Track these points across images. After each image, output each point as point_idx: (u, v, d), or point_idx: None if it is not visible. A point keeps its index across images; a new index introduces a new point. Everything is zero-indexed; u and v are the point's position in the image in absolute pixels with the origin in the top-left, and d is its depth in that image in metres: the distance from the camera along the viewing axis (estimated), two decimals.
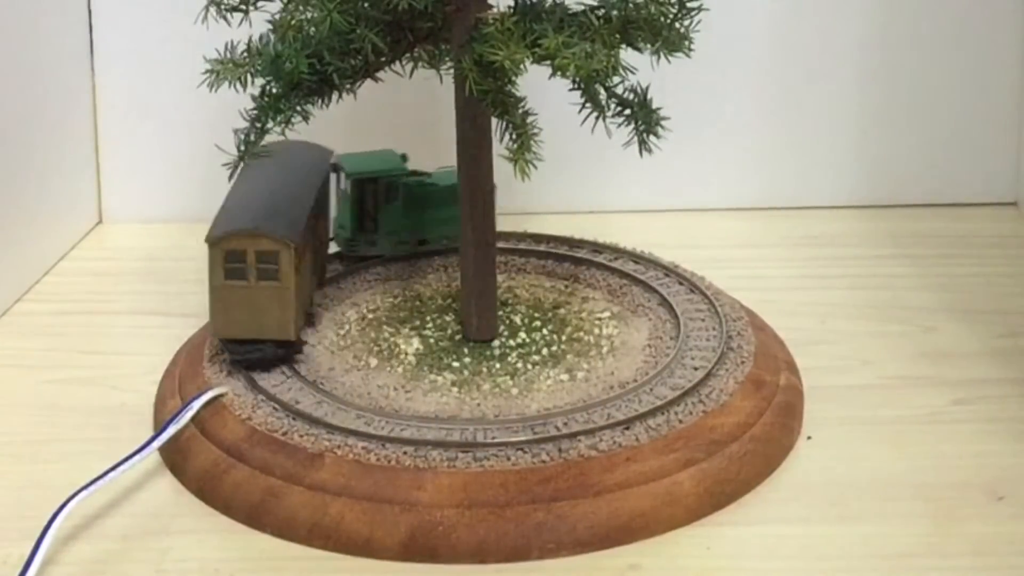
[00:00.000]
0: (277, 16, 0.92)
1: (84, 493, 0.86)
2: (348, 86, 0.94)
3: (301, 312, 0.99)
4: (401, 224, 1.10)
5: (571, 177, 1.32)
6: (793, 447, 0.95)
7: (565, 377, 0.97)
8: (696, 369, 0.96)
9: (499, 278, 1.04)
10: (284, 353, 0.96)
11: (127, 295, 1.18)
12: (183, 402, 0.95)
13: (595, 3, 0.94)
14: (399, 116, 1.30)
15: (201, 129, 1.26)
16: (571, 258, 1.11)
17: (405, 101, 1.26)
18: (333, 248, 1.12)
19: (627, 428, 0.90)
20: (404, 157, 1.13)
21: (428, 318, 1.04)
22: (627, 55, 0.92)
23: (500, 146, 0.92)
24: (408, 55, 0.97)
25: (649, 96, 0.95)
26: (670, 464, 0.89)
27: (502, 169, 0.95)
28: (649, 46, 0.93)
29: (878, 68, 1.32)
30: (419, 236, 1.11)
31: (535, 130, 0.89)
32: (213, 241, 0.94)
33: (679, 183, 1.33)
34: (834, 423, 0.98)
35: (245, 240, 0.94)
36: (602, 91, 0.94)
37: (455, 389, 0.95)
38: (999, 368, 1.05)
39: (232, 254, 0.94)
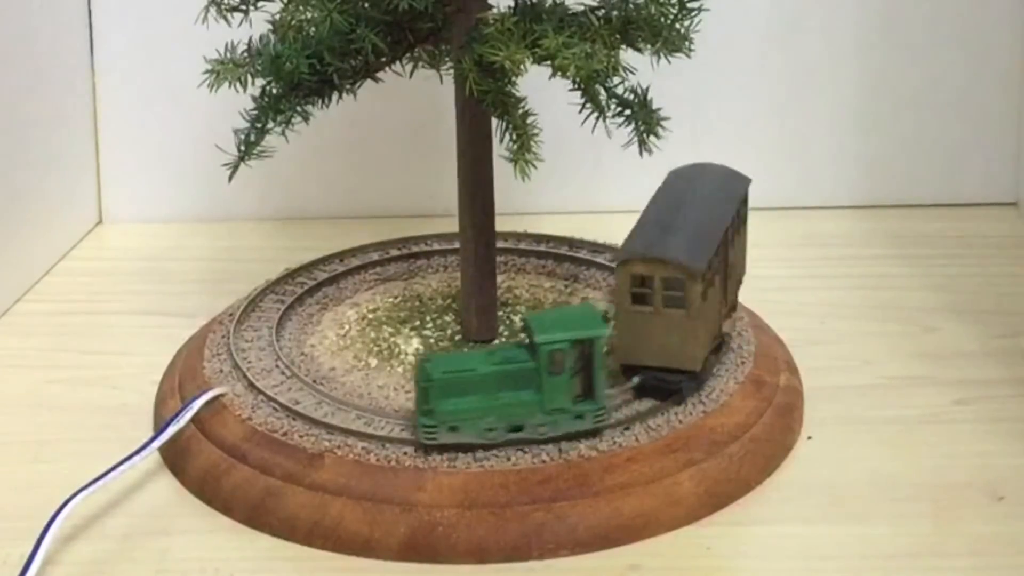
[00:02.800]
0: (277, 16, 0.92)
1: (84, 493, 0.86)
2: (348, 86, 0.94)
3: (708, 341, 0.94)
4: None
5: (571, 177, 1.32)
6: (793, 447, 0.95)
7: None
8: None
9: (499, 278, 1.03)
10: (689, 384, 0.92)
11: (127, 295, 1.18)
12: (183, 402, 0.95)
13: (595, 3, 0.94)
14: (399, 116, 1.30)
15: (201, 129, 1.26)
16: (571, 258, 1.11)
17: (405, 101, 1.26)
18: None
19: (627, 428, 0.90)
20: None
21: (428, 318, 1.04)
22: (627, 55, 0.92)
23: (500, 146, 0.92)
24: (408, 55, 0.97)
25: (649, 96, 0.95)
26: (670, 464, 0.89)
27: (502, 169, 0.95)
28: (649, 46, 0.93)
29: (878, 68, 1.32)
30: None
31: (535, 130, 0.90)
32: (621, 263, 0.91)
33: None
34: (834, 423, 0.98)
35: (653, 266, 0.90)
36: (602, 91, 0.94)
37: None
38: (999, 368, 1.05)
39: (638, 279, 0.90)
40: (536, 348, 0.87)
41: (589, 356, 0.88)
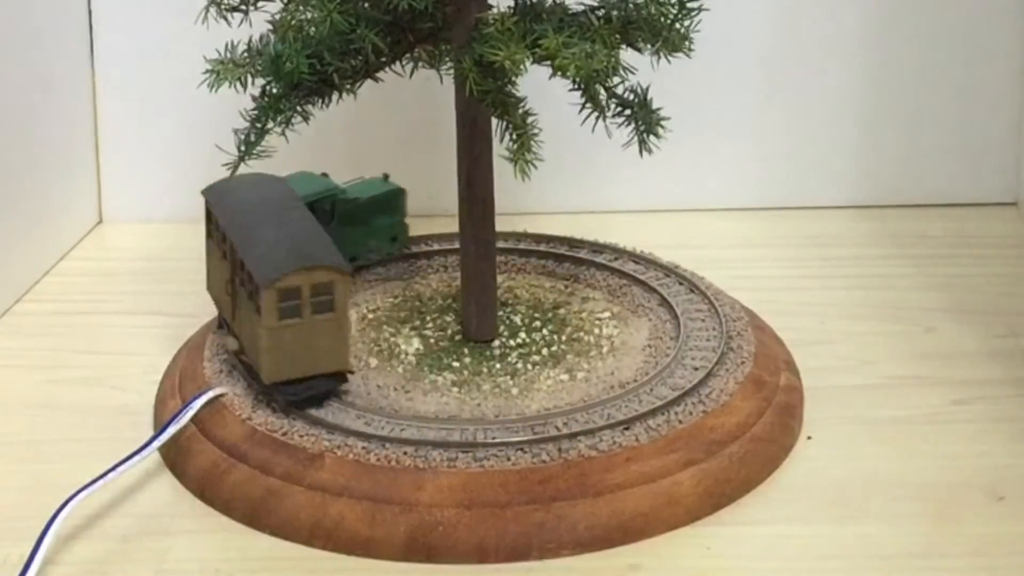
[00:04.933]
0: (277, 16, 0.92)
1: (84, 493, 0.86)
2: (348, 86, 0.94)
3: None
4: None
5: (571, 177, 1.32)
6: (793, 447, 0.95)
7: (565, 377, 0.97)
8: (696, 369, 0.96)
9: (499, 278, 1.03)
10: (334, 385, 0.92)
11: (127, 295, 1.18)
12: (183, 402, 0.95)
13: (595, 3, 0.94)
14: (399, 116, 1.30)
15: (201, 129, 1.26)
16: (571, 258, 1.11)
17: (405, 101, 1.26)
18: None
19: (627, 428, 0.90)
20: (325, 175, 1.07)
21: (428, 318, 1.04)
22: (627, 55, 0.92)
23: (500, 146, 0.92)
24: (408, 55, 0.97)
25: (649, 96, 0.95)
26: (670, 464, 0.89)
27: (502, 169, 0.95)
28: (649, 46, 0.93)
29: (878, 68, 1.32)
30: (348, 254, 0.98)
31: (535, 130, 0.90)
32: (267, 284, 0.89)
33: (679, 183, 1.33)
34: (834, 423, 0.98)
35: (300, 276, 0.89)
36: (602, 91, 0.94)
37: (455, 389, 0.95)
38: (999, 368, 1.05)
39: (287, 292, 0.89)
40: None
41: None
